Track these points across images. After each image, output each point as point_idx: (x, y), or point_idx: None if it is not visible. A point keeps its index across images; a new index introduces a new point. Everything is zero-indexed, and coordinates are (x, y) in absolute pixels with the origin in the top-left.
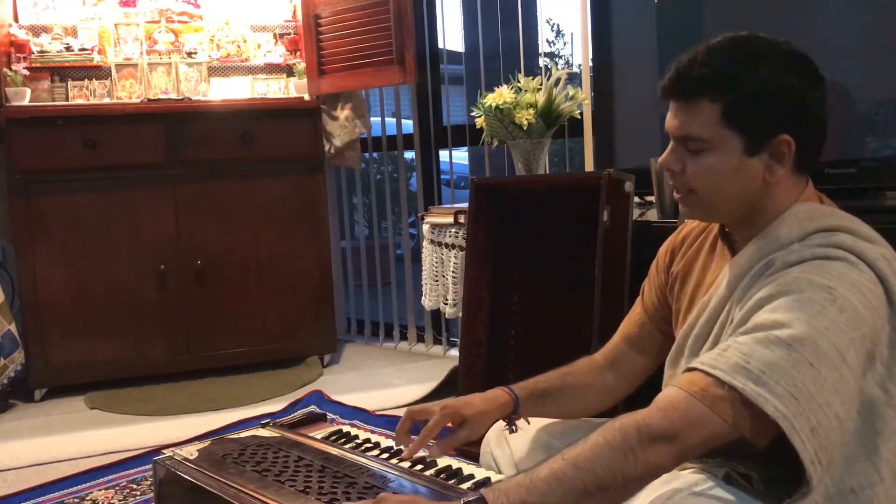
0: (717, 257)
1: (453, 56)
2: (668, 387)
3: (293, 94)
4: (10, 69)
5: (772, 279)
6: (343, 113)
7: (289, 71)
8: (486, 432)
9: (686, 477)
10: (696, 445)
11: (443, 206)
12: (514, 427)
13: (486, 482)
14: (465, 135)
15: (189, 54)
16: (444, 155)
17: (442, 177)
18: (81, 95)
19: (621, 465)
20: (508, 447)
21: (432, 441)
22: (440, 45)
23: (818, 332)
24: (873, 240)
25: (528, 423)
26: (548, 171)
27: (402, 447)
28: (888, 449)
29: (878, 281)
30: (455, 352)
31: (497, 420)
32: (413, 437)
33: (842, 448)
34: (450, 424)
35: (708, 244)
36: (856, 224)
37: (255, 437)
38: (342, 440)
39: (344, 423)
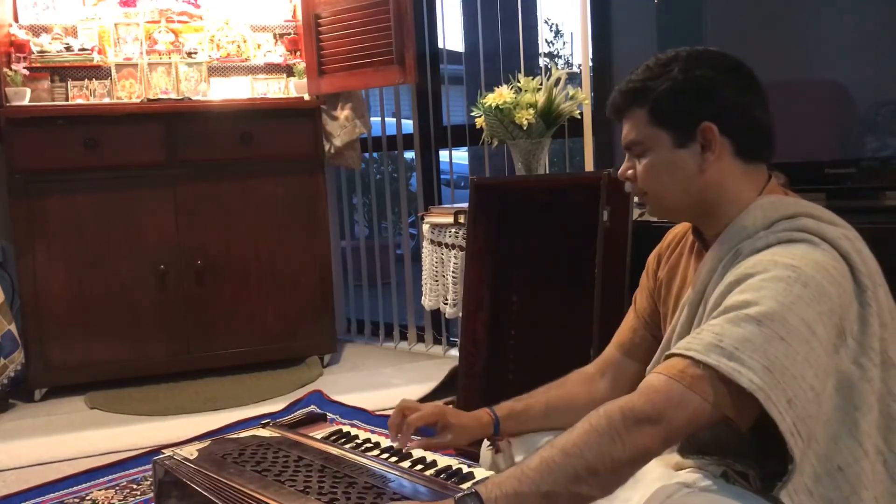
0: (694, 258)
1: (453, 56)
2: (649, 374)
3: (293, 94)
4: (10, 69)
5: (740, 265)
6: (343, 113)
7: (289, 71)
8: (464, 444)
9: (683, 476)
10: (681, 426)
11: (443, 206)
12: (496, 447)
13: (486, 481)
14: (465, 135)
15: (189, 54)
16: (444, 155)
17: (442, 177)
18: (81, 95)
19: (609, 450)
20: (508, 448)
21: (415, 437)
22: (440, 45)
23: (785, 307)
24: (835, 222)
25: (510, 443)
26: (548, 171)
27: (394, 442)
28: (868, 423)
29: (841, 259)
30: (455, 352)
31: (477, 437)
32: (413, 437)
33: (824, 426)
34: (436, 425)
35: (689, 246)
36: (818, 210)
37: (255, 437)
38: (342, 440)
39: (344, 423)
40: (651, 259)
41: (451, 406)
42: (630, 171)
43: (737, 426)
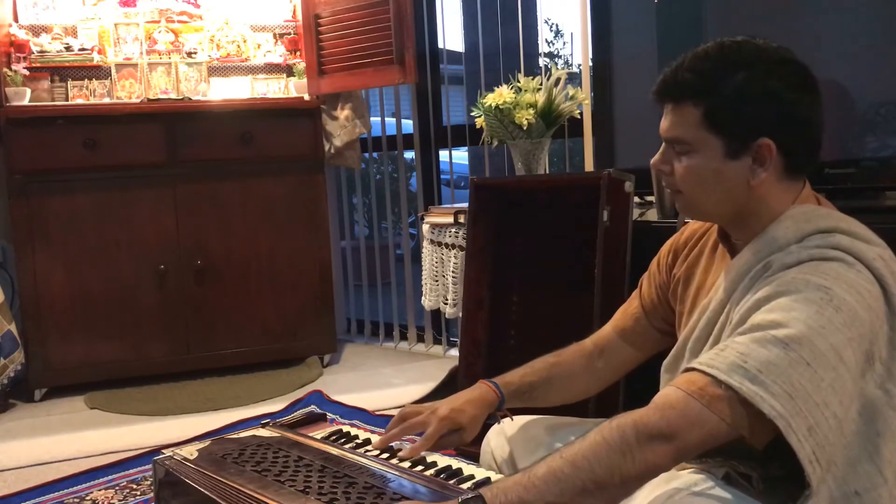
0: (717, 260)
1: (453, 56)
2: (666, 386)
3: (293, 94)
4: (10, 69)
5: (769, 280)
6: (343, 113)
7: (289, 71)
8: (476, 433)
9: (686, 477)
10: (695, 445)
11: (443, 206)
12: (498, 421)
13: (486, 482)
14: (465, 135)
15: (189, 54)
16: (444, 155)
17: (442, 177)
18: (81, 95)
19: (619, 464)
20: (508, 447)
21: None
22: (440, 45)
23: (815, 331)
24: (870, 240)
25: (512, 419)
26: (548, 171)
27: (394, 445)
28: (890, 450)
29: (875, 281)
30: (455, 352)
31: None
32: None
33: (844, 450)
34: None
35: (709, 246)
36: (853, 225)
37: (255, 437)
38: (342, 440)
39: (344, 423)
40: (665, 252)
41: (451, 404)
42: (667, 166)
43: (750, 444)
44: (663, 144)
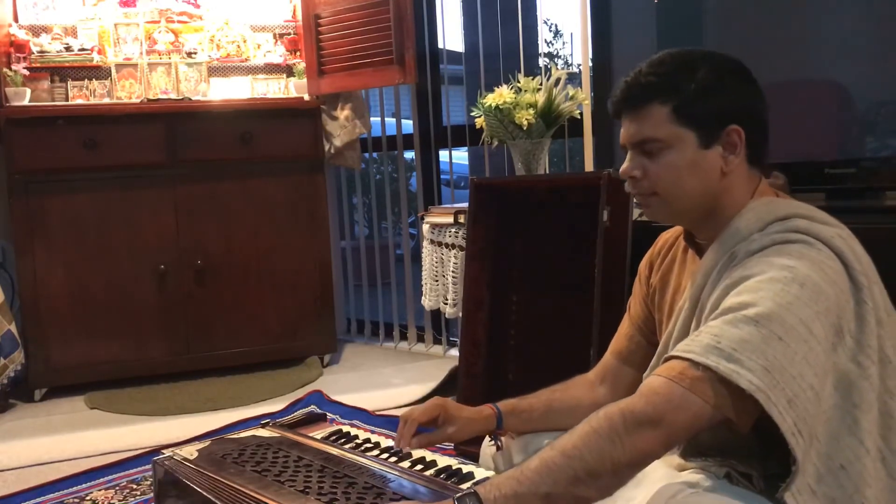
0: (688, 263)
1: (453, 56)
2: (649, 377)
3: (293, 94)
4: (10, 69)
5: (735, 268)
6: (343, 113)
7: (289, 71)
8: (466, 438)
9: (686, 477)
10: (682, 429)
11: (443, 206)
12: (499, 443)
13: (485, 482)
14: (465, 135)
15: (189, 54)
16: (444, 155)
17: (442, 177)
18: (81, 95)
19: (609, 452)
20: (508, 448)
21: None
22: (440, 45)
23: (782, 307)
24: (828, 222)
25: (514, 438)
26: (548, 171)
27: (402, 448)
28: (869, 420)
29: (835, 257)
30: (455, 352)
31: (480, 432)
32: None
33: (824, 425)
34: (437, 418)
35: (681, 251)
36: (811, 210)
37: (255, 437)
38: (342, 440)
39: (344, 423)
40: (643, 265)
41: (452, 399)
42: (637, 171)
43: (737, 427)
44: (629, 153)
